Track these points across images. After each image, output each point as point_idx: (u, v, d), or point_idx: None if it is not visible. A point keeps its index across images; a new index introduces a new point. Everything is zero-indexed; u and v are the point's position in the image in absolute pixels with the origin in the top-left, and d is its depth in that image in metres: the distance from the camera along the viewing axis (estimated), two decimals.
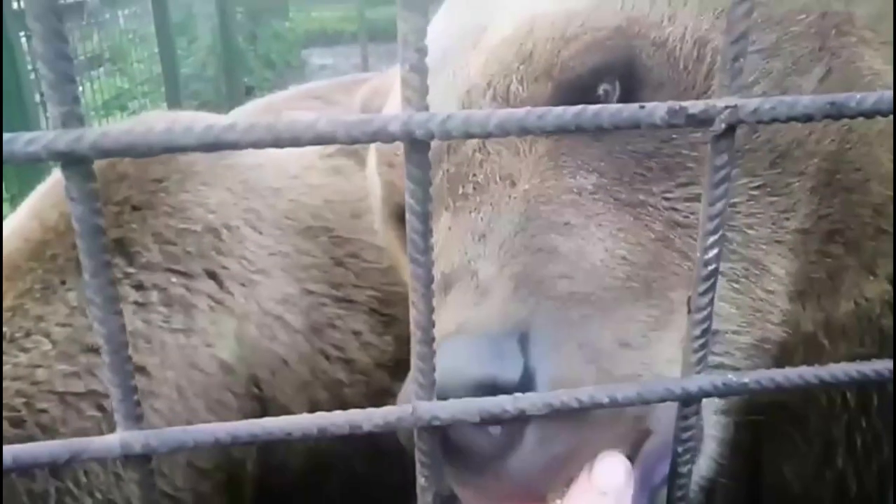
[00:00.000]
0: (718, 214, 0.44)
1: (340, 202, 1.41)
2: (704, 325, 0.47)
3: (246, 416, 1.20)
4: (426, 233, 0.41)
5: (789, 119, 0.41)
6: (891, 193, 0.76)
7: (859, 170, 0.74)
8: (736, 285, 0.71)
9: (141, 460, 0.45)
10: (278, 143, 0.38)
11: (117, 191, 1.27)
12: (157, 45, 4.86)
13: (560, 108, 0.39)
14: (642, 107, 0.39)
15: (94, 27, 4.58)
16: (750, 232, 0.70)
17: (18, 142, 0.36)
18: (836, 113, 0.41)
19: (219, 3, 6.05)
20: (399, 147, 0.47)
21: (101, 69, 4.69)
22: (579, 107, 0.39)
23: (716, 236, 0.45)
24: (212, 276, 1.26)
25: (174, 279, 1.22)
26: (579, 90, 0.71)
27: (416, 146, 0.39)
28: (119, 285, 1.17)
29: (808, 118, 0.41)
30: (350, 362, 1.33)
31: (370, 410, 0.46)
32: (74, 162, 0.38)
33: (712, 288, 0.46)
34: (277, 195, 1.37)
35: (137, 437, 0.44)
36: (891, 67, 0.75)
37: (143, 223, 1.24)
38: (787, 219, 0.71)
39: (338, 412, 0.46)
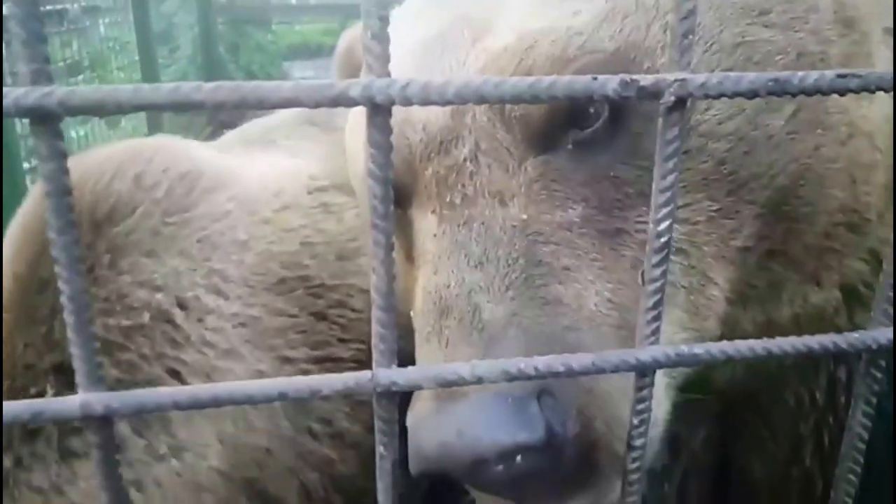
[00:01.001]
0: (670, 187, 0.46)
1: (323, 243, 1.23)
2: (658, 297, 0.48)
3: None
4: (387, 198, 0.43)
5: (735, 94, 0.43)
6: (840, 221, 0.80)
7: (809, 205, 0.79)
8: (691, 297, 0.76)
9: (101, 423, 0.45)
10: (243, 104, 0.39)
11: (45, 302, 1.03)
12: (138, 54, 4.85)
13: (516, 79, 0.41)
14: (595, 78, 0.41)
15: (74, 34, 4.56)
16: (705, 249, 0.76)
17: None
18: (779, 90, 0.43)
19: (201, 13, 6.05)
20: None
21: (81, 77, 4.66)
22: (534, 77, 0.41)
23: (668, 208, 0.46)
24: (174, 375, 1.06)
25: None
26: (571, 111, 0.74)
27: (378, 111, 0.40)
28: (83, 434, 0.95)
29: (753, 94, 0.43)
30: (339, 436, 1.17)
31: (330, 376, 0.47)
32: (43, 119, 0.38)
33: (666, 259, 0.47)
34: (244, 248, 1.15)
35: (99, 399, 0.44)
36: (855, 100, 0.79)
37: None
38: (734, 238, 0.76)
39: (298, 377, 0.46)
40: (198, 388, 0.46)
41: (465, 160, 0.75)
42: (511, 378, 0.48)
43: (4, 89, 0.37)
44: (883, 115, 0.80)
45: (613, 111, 0.72)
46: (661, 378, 0.73)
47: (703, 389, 0.80)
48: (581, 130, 0.73)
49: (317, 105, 0.39)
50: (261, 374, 1.11)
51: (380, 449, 0.50)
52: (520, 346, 0.66)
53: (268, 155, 1.40)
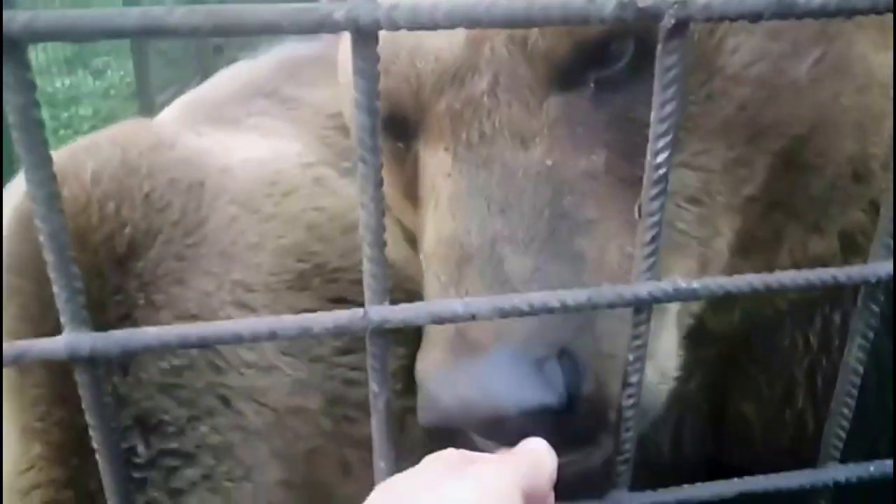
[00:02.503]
0: (669, 116, 0.44)
1: (327, 221, 1.19)
2: (654, 231, 0.47)
3: None
4: (374, 129, 0.41)
5: (738, 16, 0.41)
6: (847, 172, 0.79)
7: (821, 155, 0.76)
8: (702, 249, 0.73)
9: (88, 363, 0.44)
10: (220, 30, 0.37)
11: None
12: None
13: (507, 2, 0.39)
14: (591, 0, 0.39)
15: None
16: (718, 198, 0.73)
17: None
18: (784, 11, 0.41)
19: None
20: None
21: (58, 1, 4.52)
22: (527, 1, 0.39)
23: (667, 139, 0.45)
24: (225, 401, 1.03)
25: (203, 428, 1.01)
26: (596, 47, 0.70)
27: (363, 36, 0.38)
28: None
29: (757, 16, 0.41)
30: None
31: (320, 314, 0.46)
32: (8, 48, 0.36)
33: (663, 192, 0.46)
34: (258, 250, 1.11)
35: (84, 340, 0.43)
36: (874, 48, 0.76)
37: (139, 383, 1.00)
38: (744, 187, 0.74)
39: (287, 316, 0.46)
40: (185, 328, 0.45)
41: (482, 94, 0.71)
42: (505, 314, 0.47)
43: None
44: None
45: (639, 49, 0.68)
46: (672, 330, 0.72)
47: (699, 340, 0.79)
48: (605, 68, 0.70)
49: (299, 30, 0.37)
50: (302, 384, 1.07)
51: (373, 387, 0.49)
52: None
53: (240, 138, 1.36)
